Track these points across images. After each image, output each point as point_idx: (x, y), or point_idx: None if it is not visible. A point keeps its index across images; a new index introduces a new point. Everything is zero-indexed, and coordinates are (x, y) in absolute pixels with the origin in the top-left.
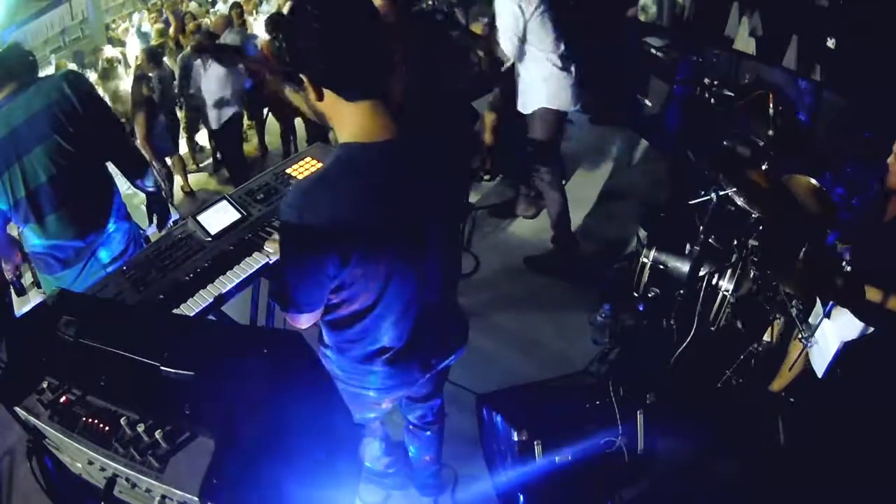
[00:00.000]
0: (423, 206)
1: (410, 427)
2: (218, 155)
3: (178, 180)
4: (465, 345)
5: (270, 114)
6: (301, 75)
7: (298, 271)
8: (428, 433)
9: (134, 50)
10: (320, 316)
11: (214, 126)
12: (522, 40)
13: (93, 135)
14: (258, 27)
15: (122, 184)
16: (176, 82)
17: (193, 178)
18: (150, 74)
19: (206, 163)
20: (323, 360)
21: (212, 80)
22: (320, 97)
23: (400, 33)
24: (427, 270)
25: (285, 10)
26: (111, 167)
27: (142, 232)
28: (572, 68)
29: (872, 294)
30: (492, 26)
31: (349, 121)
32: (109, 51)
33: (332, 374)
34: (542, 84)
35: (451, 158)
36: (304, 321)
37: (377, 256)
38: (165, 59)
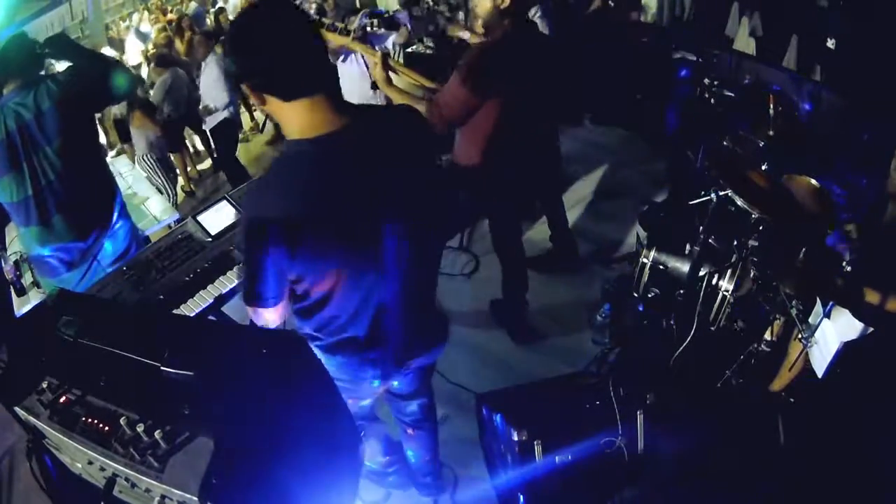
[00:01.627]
0: (373, 195)
1: (406, 429)
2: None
3: (178, 180)
4: (443, 343)
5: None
6: (242, 85)
7: (253, 266)
8: (421, 432)
9: (133, 50)
10: (283, 315)
11: (209, 126)
12: None
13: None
14: None
15: (122, 184)
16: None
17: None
18: (147, 76)
19: (206, 163)
20: None
21: (208, 81)
22: (263, 102)
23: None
24: (386, 262)
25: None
26: (111, 167)
27: (140, 233)
28: None
29: (871, 296)
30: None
31: (291, 119)
32: (108, 52)
33: None
34: None
35: (411, 148)
36: (268, 317)
37: (324, 248)
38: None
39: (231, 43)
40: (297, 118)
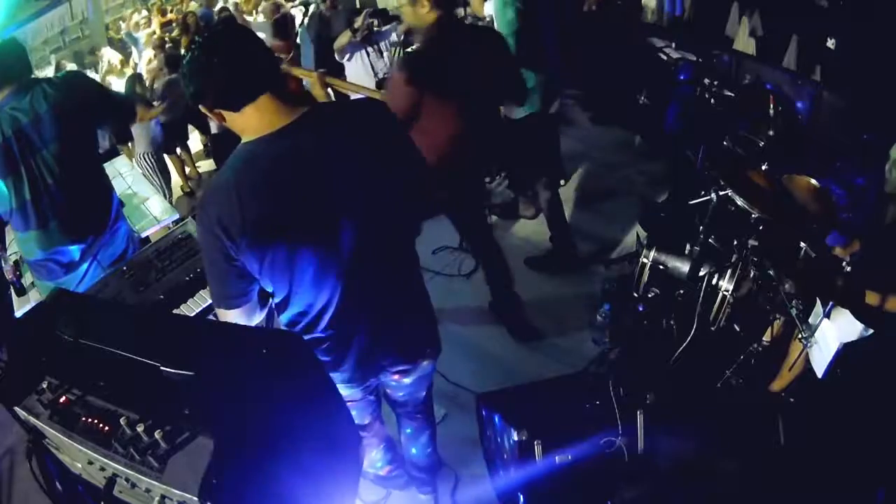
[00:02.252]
0: (326, 186)
1: (402, 423)
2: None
3: (178, 180)
4: (429, 351)
5: None
6: (200, 107)
7: (210, 267)
8: (417, 426)
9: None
10: (254, 318)
11: (214, 130)
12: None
13: (97, 125)
14: (256, 27)
15: (122, 184)
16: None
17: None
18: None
19: (207, 163)
20: None
21: None
22: (222, 118)
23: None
24: (347, 258)
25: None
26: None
27: (136, 236)
28: (556, 71)
29: (871, 297)
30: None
31: (247, 126)
32: (108, 53)
33: None
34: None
35: (370, 137)
36: (235, 319)
37: (275, 243)
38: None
39: (182, 74)
40: (250, 123)
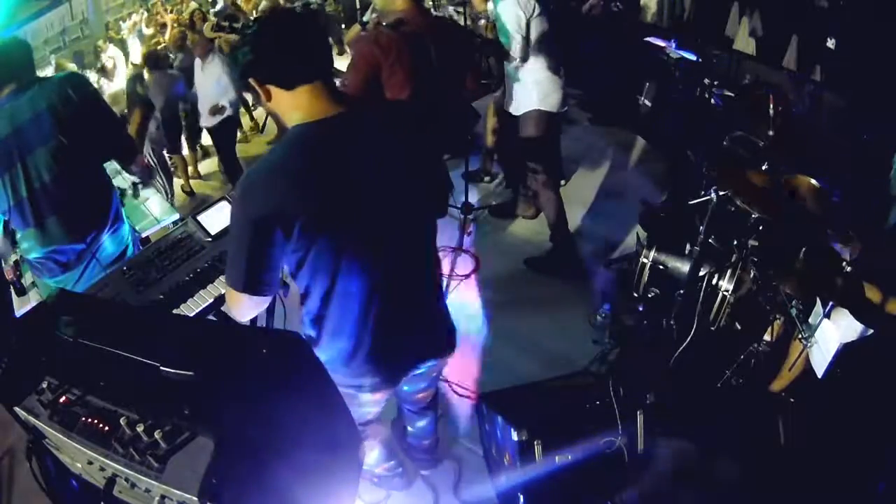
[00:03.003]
0: (374, 182)
1: (407, 411)
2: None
3: (178, 180)
4: (450, 354)
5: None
6: (250, 81)
7: (247, 251)
8: (422, 416)
9: (136, 51)
10: (263, 308)
11: (209, 124)
12: (527, 41)
13: (94, 135)
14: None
15: (121, 184)
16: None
17: (194, 179)
18: (147, 75)
19: (206, 163)
20: None
21: (209, 82)
22: (269, 96)
23: (427, 36)
24: (390, 253)
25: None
26: (112, 164)
27: (137, 234)
28: (562, 71)
29: (872, 294)
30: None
31: (294, 107)
32: (111, 50)
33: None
34: (534, 86)
35: (401, 137)
36: (246, 307)
37: (322, 232)
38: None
39: (241, 45)
40: (300, 105)
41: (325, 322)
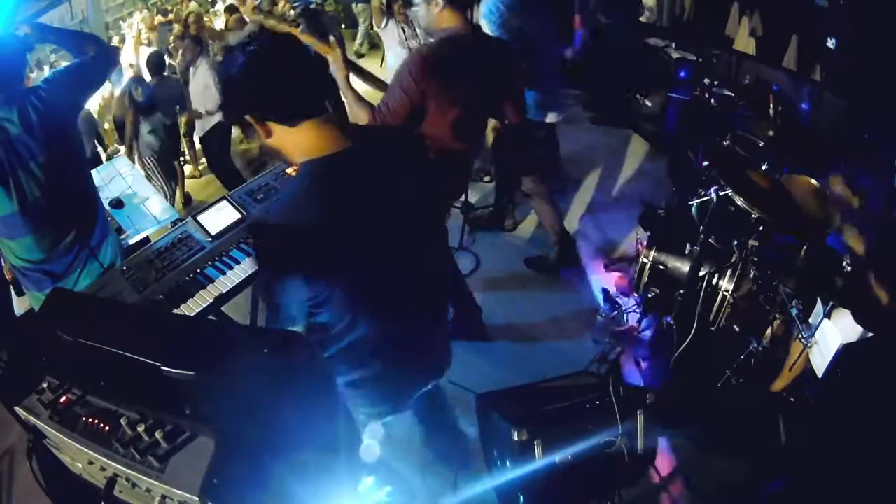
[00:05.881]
0: (388, 212)
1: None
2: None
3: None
4: (448, 367)
5: None
6: (248, 118)
7: (282, 290)
8: (433, 418)
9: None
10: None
11: (199, 133)
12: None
13: (71, 140)
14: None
15: (122, 183)
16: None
17: (191, 183)
18: (147, 79)
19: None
20: None
21: (197, 87)
22: (268, 133)
23: (477, 56)
24: (406, 280)
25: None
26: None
27: (125, 242)
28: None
29: (873, 297)
30: None
31: (299, 143)
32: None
33: None
34: None
35: (409, 166)
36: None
37: (350, 265)
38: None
39: (238, 80)
40: (305, 142)
41: (342, 353)
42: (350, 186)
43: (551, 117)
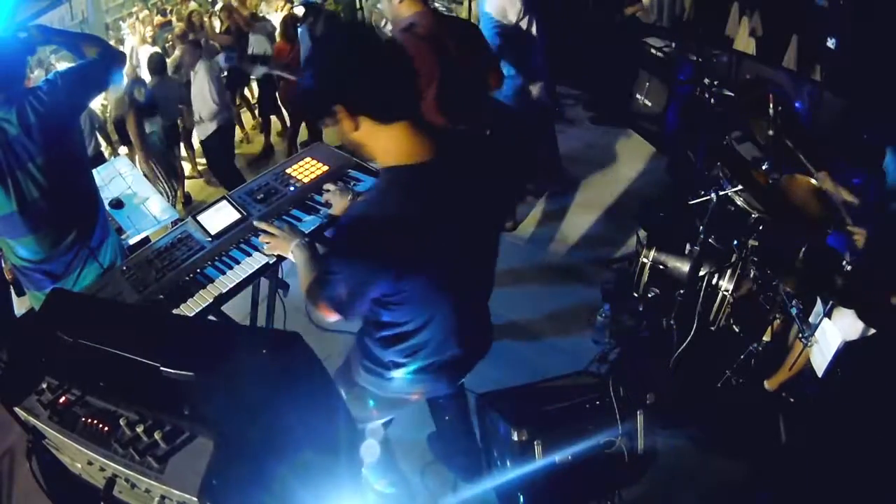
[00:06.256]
0: (468, 220)
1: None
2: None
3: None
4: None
5: (274, 115)
6: (336, 107)
7: (347, 289)
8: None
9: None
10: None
11: (200, 138)
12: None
13: (71, 140)
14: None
15: (122, 184)
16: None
17: (191, 183)
18: (147, 79)
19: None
20: (365, 375)
21: (196, 91)
22: (356, 126)
23: (444, 36)
24: (472, 277)
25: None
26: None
27: (125, 242)
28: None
29: (874, 296)
30: None
31: (388, 144)
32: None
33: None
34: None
35: (492, 171)
36: (331, 317)
37: (422, 273)
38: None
39: (333, 67)
40: (394, 143)
41: (413, 348)
42: (433, 199)
43: (535, 90)
